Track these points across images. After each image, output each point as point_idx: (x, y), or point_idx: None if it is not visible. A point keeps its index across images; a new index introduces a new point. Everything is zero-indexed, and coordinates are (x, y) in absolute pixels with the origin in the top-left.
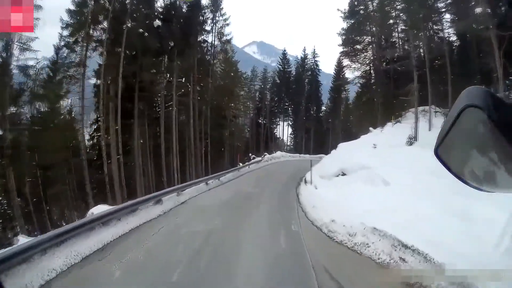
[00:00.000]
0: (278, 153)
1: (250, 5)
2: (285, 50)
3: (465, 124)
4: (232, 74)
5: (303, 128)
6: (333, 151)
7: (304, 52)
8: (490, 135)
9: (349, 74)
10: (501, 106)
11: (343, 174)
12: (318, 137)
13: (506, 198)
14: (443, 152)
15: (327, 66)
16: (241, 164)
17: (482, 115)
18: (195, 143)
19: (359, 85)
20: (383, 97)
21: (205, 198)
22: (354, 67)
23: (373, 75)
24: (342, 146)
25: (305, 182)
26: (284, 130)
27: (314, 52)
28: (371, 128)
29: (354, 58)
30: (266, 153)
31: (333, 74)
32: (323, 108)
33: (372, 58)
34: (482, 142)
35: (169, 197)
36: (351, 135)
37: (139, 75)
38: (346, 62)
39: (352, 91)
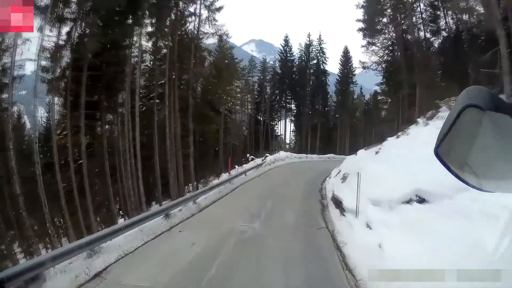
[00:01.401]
0: (282, 154)
1: (248, 3)
2: (287, 36)
3: (465, 124)
4: (226, 61)
5: (308, 124)
6: (361, 153)
7: (309, 38)
8: (490, 135)
9: (366, 59)
10: (501, 106)
11: (421, 201)
12: (324, 134)
13: None
14: (443, 152)
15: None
16: (235, 168)
17: (482, 115)
18: (173, 141)
19: (380, 70)
20: (424, 80)
21: None
22: (376, 49)
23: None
24: (389, 144)
25: (343, 210)
26: (286, 127)
27: (320, 38)
28: (419, 120)
29: (376, 36)
30: (267, 154)
31: (339, 63)
32: (330, 102)
33: (402, 29)
34: (482, 142)
35: None
36: (357, 133)
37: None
38: (365, 41)
39: (364, 83)
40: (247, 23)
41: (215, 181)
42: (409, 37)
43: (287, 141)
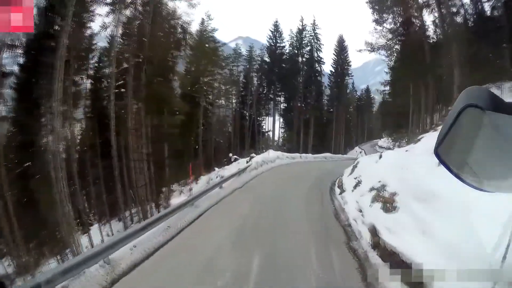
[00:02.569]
0: (272, 153)
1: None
2: (276, 21)
3: (465, 124)
4: (207, 45)
5: (299, 119)
6: (391, 155)
7: (302, 23)
8: (490, 135)
9: (373, 40)
10: (501, 106)
11: None
12: (317, 130)
13: None
14: (443, 152)
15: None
16: (215, 171)
17: (482, 115)
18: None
19: (391, 52)
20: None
21: None
22: (388, 26)
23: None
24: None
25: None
26: (275, 123)
27: (314, 23)
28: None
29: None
30: (253, 154)
31: (333, 53)
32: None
33: None
34: (482, 142)
35: None
36: (350, 130)
37: None
38: (374, 17)
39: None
40: (234, 20)
41: (174, 202)
42: None
43: (276, 138)
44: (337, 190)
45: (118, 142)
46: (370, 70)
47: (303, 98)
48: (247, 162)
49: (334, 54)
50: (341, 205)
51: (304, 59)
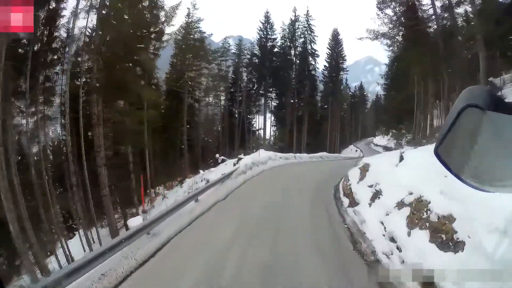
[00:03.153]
0: (263, 153)
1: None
2: (267, 12)
3: (465, 124)
4: (191, 35)
5: (292, 116)
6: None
7: (295, 13)
8: (490, 135)
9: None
10: (501, 106)
11: None
12: (311, 128)
13: None
14: (443, 152)
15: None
16: (188, 181)
17: (482, 115)
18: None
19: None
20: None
21: None
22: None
23: None
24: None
25: None
26: (266, 121)
27: (307, 14)
28: None
29: None
30: (242, 155)
31: (327, 47)
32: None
33: None
34: (482, 142)
35: None
36: (344, 127)
37: None
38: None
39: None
40: (226, 20)
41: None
42: None
43: (268, 136)
44: (345, 201)
45: (81, 141)
46: (361, 68)
47: (296, 93)
48: (234, 164)
49: (328, 48)
50: (358, 226)
51: (297, 51)
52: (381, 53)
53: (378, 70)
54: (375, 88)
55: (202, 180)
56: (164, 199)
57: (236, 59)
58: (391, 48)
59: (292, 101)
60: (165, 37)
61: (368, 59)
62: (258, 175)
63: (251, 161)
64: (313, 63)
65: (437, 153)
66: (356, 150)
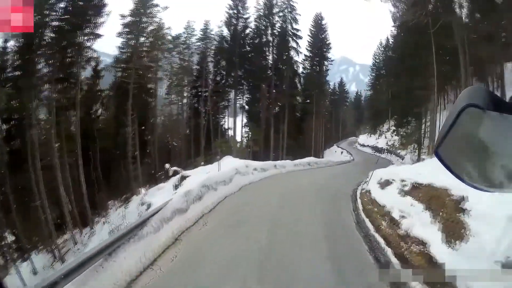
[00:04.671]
0: (229, 164)
1: None
2: None
3: (465, 124)
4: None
5: (269, 112)
6: None
7: None
8: (490, 135)
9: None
10: (501, 106)
11: None
12: (291, 127)
13: None
14: (443, 152)
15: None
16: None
17: (482, 115)
18: None
19: None
20: None
21: None
22: None
23: None
24: None
25: None
26: (236, 120)
27: None
28: None
29: None
30: (178, 168)
31: (308, 34)
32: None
33: None
34: (482, 142)
35: None
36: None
37: None
38: None
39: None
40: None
41: None
42: None
43: (239, 138)
44: None
45: None
46: (335, 68)
47: (273, 84)
48: (175, 187)
49: (309, 35)
50: None
51: (274, 30)
52: (355, 53)
53: (353, 70)
54: (349, 87)
55: (142, 204)
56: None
57: (202, 44)
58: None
59: (268, 94)
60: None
61: (343, 59)
62: (210, 212)
63: (202, 182)
64: (294, 46)
65: (437, 153)
66: (342, 152)
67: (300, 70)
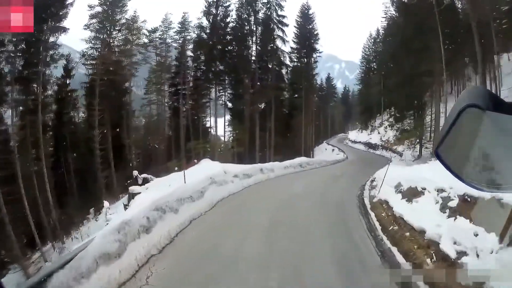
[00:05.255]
0: (207, 169)
1: None
2: None
3: (465, 124)
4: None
5: (253, 109)
6: None
7: None
8: (490, 135)
9: None
10: (501, 106)
11: None
12: (278, 124)
13: None
14: (443, 152)
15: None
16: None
17: (482, 115)
18: None
19: None
20: None
21: None
22: None
23: None
24: None
25: None
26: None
27: None
28: None
29: None
30: (148, 176)
31: (294, 26)
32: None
33: None
34: (482, 142)
35: None
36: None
37: None
38: None
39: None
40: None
41: None
42: None
43: (222, 137)
44: None
45: None
46: (321, 65)
47: (258, 77)
48: (125, 205)
49: (296, 27)
50: None
51: (258, 18)
52: (341, 50)
53: (338, 67)
54: (335, 83)
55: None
56: None
57: (180, 40)
58: None
59: (252, 89)
60: None
61: (328, 57)
62: (162, 252)
63: (154, 203)
64: (280, 34)
65: (437, 153)
66: (333, 150)
67: (287, 61)
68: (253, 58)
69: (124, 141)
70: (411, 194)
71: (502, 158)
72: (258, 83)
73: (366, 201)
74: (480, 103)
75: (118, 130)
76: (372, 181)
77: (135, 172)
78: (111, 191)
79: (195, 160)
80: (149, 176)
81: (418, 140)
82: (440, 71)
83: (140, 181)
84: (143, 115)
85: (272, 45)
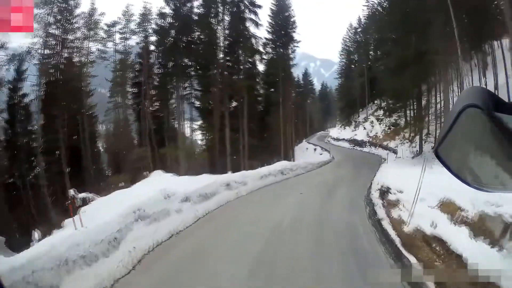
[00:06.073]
0: (157, 184)
1: None
2: None
3: (465, 124)
4: None
5: (223, 107)
6: None
7: None
8: (490, 135)
9: None
10: (501, 106)
11: None
12: (252, 123)
13: None
14: (443, 152)
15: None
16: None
17: (482, 115)
18: None
19: None
20: None
21: None
22: None
23: None
24: None
25: None
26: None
27: None
28: None
29: None
30: (89, 194)
31: (269, 14)
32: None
33: None
34: (482, 142)
35: None
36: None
37: None
38: None
39: None
40: None
41: None
42: None
43: (191, 141)
44: None
45: None
46: (296, 63)
47: (225, 66)
48: None
49: (270, 15)
50: None
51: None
52: (316, 49)
53: (314, 65)
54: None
55: None
56: None
57: (142, 34)
58: None
59: (221, 83)
60: None
61: (302, 56)
62: None
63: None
64: (252, 17)
65: (437, 153)
66: (315, 149)
67: (261, 48)
68: (222, 46)
69: (82, 151)
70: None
71: (502, 158)
72: (226, 72)
73: (392, 234)
74: (480, 103)
75: (75, 137)
76: (384, 192)
77: (71, 192)
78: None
79: (146, 172)
80: (89, 195)
81: (413, 134)
82: (450, 49)
83: (79, 202)
84: (109, 120)
85: (242, 28)
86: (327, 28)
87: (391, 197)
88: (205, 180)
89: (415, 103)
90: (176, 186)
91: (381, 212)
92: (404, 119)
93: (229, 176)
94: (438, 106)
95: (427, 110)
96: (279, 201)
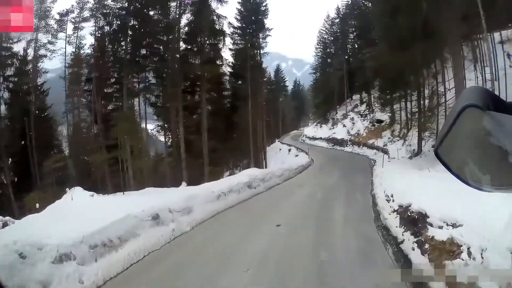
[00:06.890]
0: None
1: None
2: None
3: (465, 124)
4: None
5: (181, 98)
6: None
7: None
8: (490, 135)
9: None
10: (501, 106)
11: None
12: (215, 122)
13: None
14: (443, 152)
15: None
16: None
17: (482, 115)
18: None
19: None
20: None
21: None
22: None
23: None
24: None
25: None
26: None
27: None
28: None
29: None
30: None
31: (238, 1)
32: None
33: None
34: (482, 142)
35: None
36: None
37: None
38: None
39: None
40: None
41: None
42: None
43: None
44: None
45: None
46: (267, 64)
47: (184, 54)
48: None
49: (239, 2)
50: None
51: None
52: (287, 49)
53: (285, 65)
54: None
55: None
56: None
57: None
58: None
59: (174, 74)
60: None
61: (274, 56)
62: None
63: None
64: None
65: (437, 153)
66: (290, 150)
67: (225, 27)
68: (181, 29)
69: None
70: None
71: (502, 158)
72: (179, 57)
73: None
74: (480, 103)
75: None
76: (414, 220)
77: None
78: None
79: (67, 189)
80: (9, 219)
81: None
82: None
83: None
84: (69, 123)
85: (204, 10)
86: (299, 27)
87: (436, 233)
88: (127, 207)
89: (413, 94)
90: (59, 225)
91: (428, 271)
92: (391, 114)
93: (163, 203)
94: (448, 96)
95: (435, 100)
96: (241, 248)
